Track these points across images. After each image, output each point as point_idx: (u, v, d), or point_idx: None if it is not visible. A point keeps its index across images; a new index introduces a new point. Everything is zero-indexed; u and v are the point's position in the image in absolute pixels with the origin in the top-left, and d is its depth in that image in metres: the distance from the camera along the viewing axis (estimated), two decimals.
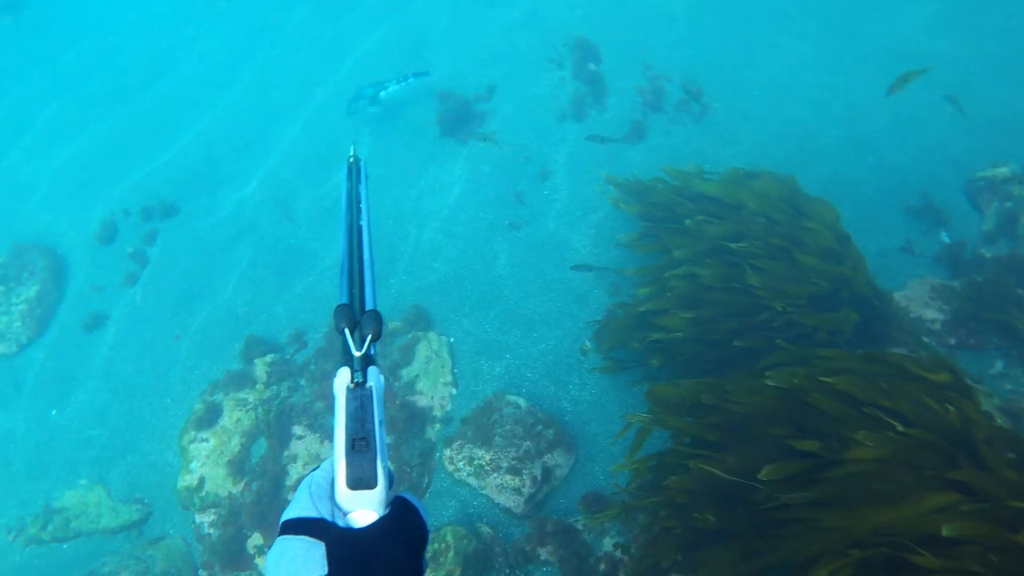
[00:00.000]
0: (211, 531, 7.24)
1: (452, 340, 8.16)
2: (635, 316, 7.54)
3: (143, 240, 9.70)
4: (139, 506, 7.79)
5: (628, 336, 7.52)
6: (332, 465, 1.52)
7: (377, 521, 1.45)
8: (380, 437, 1.51)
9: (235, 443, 7.53)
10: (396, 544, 1.41)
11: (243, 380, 7.94)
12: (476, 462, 7.03)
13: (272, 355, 8.19)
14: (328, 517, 1.44)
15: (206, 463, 7.48)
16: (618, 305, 7.94)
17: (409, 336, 8.07)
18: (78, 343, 9.07)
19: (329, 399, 1.71)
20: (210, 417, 7.70)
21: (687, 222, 7.68)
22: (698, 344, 6.99)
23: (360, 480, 1.45)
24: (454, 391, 7.75)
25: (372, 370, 1.62)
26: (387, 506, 1.49)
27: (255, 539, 7.09)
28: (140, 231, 9.82)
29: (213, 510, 7.32)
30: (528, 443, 7.06)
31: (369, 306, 1.78)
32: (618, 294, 8.23)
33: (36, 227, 10.33)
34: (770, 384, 5.62)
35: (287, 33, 12.30)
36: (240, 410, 7.68)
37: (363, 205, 2.04)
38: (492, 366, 7.91)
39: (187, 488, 7.44)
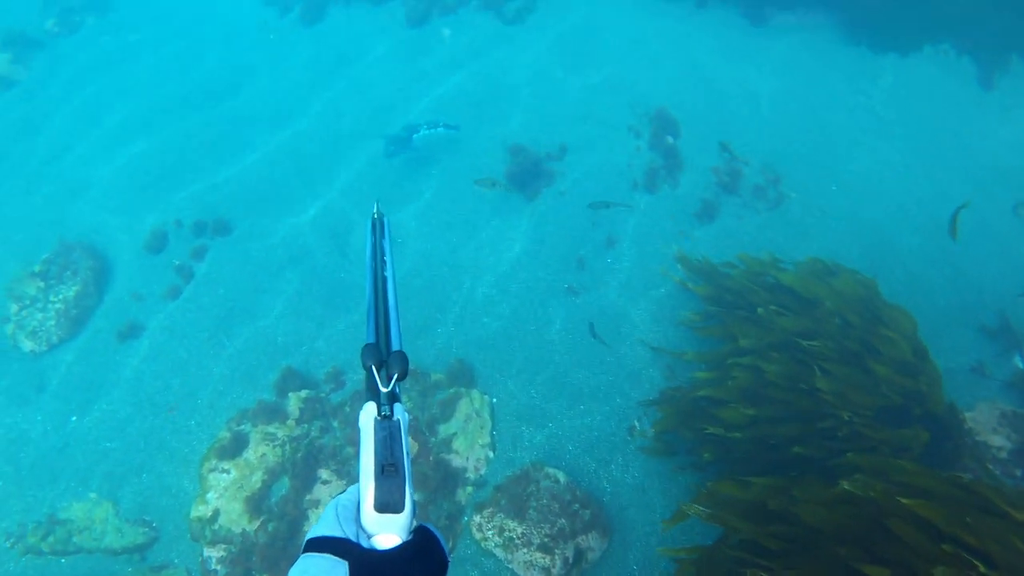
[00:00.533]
0: (218, 567, 6.84)
1: (494, 400, 7.81)
2: (691, 401, 7.19)
3: (192, 254, 9.43)
4: (146, 529, 7.41)
5: (681, 422, 7.17)
6: (359, 490, 1.57)
7: (400, 545, 1.50)
8: (408, 466, 1.57)
9: (257, 479, 7.14)
10: (417, 570, 1.44)
11: (274, 413, 7.58)
12: (507, 533, 6.64)
13: (307, 391, 7.84)
14: (353, 538, 1.47)
15: (224, 495, 7.09)
16: (673, 389, 7.58)
17: (451, 391, 7.70)
18: (109, 351, 8.77)
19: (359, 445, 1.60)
20: (234, 447, 7.33)
21: (759, 310, 7.31)
22: (755, 444, 6.59)
23: (388, 504, 1.51)
24: (491, 454, 7.38)
25: (398, 406, 1.70)
26: (410, 533, 1.53)
27: None
28: (190, 244, 9.57)
29: (224, 546, 6.91)
30: (563, 521, 6.67)
31: (395, 347, 1.84)
32: (673, 377, 7.85)
33: (86, 226, 10.11)
34: (845, 488, 5.23)
35: (365, 66, 12.15)
36: (267, 445, 7.31)
37: (387, 258, 2.14)
38: (533, 433, 7.54)
39: (200, 519, 7.05)
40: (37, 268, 9.22)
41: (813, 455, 6.27)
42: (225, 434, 7.52)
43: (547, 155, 10.02)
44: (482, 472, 7.26)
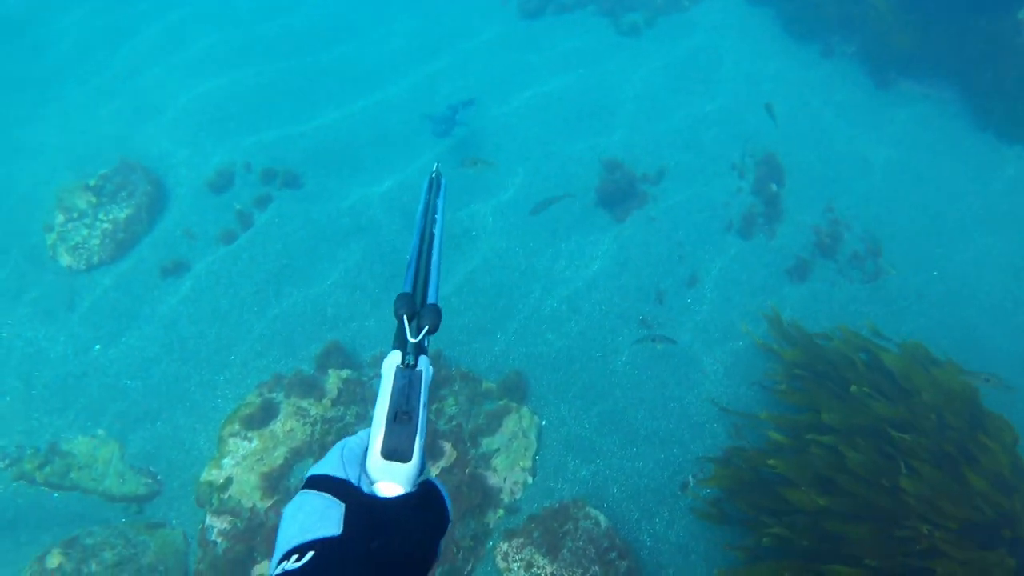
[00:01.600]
0: (219, 539, 6.27)
1: (544, 423, 7.23)
2: (756, 470, 6.54)
3: (255, 202, 8.91)
4: (150, 480, 6.89)
5: (740, 491, 6.52)
6: (368, 435, 1.52)
7: (402, 496, 1.44)
8: (423, 418, 1.53)
9: (279, 454, 6.56)
10: (416, 521, 1.39)
11: (310, 388, 7.00)
12: (535, 570, 6.07)
13: (349, 372, 7.26)
14: (355, 481, 1.42)
15: (241, 464, 6.52)
16: (738, 449, 6.94)
17: (501, 403, 7.11)
18: (149, 284, 8.26)
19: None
20: (262, 416, 6.75)
21: (853, 388, 6.62)
22: (821, 539, 5.94)
23: (395, 451, 1.46)
24: (530, 480, 6.81)
25: (423, 359, 1.63)
26: (415, 486, 1.48)
27: (263, 567, 6.10)
28: (255, 191, 9.05)
29: (230, 518, 6.33)
30: (597, 568, 6.09)
31: (431, 300, 1.81)
32: (739, 437, 7.20)
33: (151, 150, 9.64)
34: None
35: (469, 48, 11.59)
36: (297, 420, 6.73)
37: (438, 216, 2.12)
38: (579, 467, 6.95)
39: (210, 483, 6.49)
40: (92, 182, 8.73)
41: (884, 567, 5.61)
42: (255, 398, 6.95)
43: (643, 176, 9.41)
44: (517, 497, 6.69)
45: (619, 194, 9.06)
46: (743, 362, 7.89)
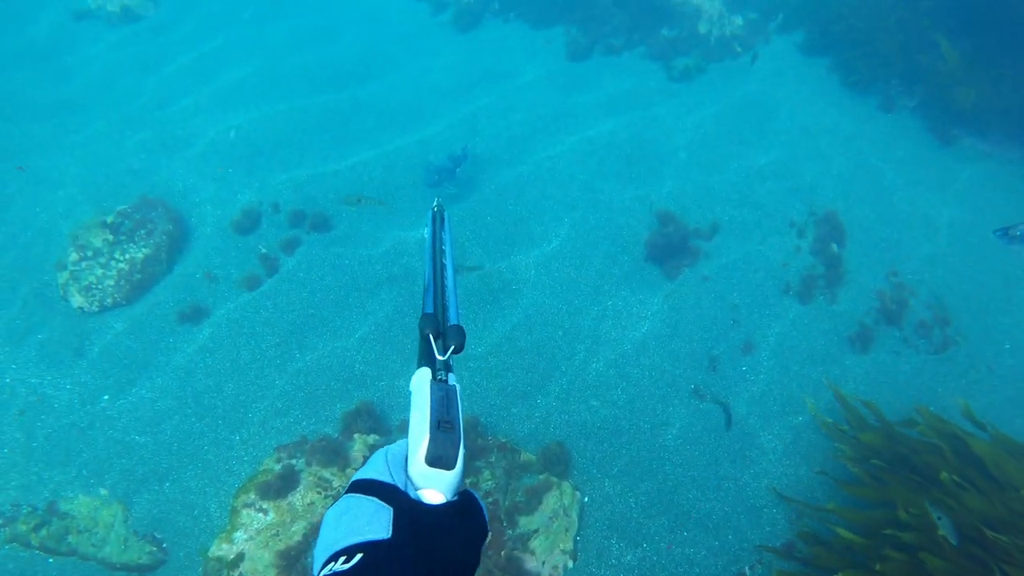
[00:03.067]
0: None
1: (586, 500, 6.56)
2: (820, 571, 5.85)
3: (282, 245, 8.34)
4: (155, 549, 6.29)
5: None
6: (408, 444, 1.48)
7: (446, 503, 1.41)
8: (462, 431, 1.49)
9: (297, 529, 5.93)
10: (462, 529, 1.38)
11: (334, 455, 6.38)
12: None
13: (376, 437, 6.66)
14: (401, 487, 1.41)
15: (254, 540, 5.89)
16: (801, 535, 6.26)
17: (542, 478, 6.48)
18: (165, 330, 7.69)
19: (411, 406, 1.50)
20: (281, 485, 6.13)
21: (943, 475, 5.90)
22: None
23: (440, 459, 1.42)
24: (570, 564, 6.20)
25: (451, 375, 1.63)
26: (456, 495, 1.44)
27: None
28: (282, 234, 8.49)
29: None
30: None
31: (452, 321, 1.80)
32: (801, 524, 6.53)
33: (176, 185, 9.12)
34: None
35: (512, 88, 11.03)
36: (318, 492, 6.10)
37: (446, 247, 2.09)
38: (623, 551, 6.32)
39: (219, 559, 5.87)
40: (110, 219, 8.20)
41: None
42: (272, 464, 6.34)
43: (695, 230, 8.80)
44: None
45: (670, 249, 8.46)
46: (804, 440, 7.25)
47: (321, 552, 1.31)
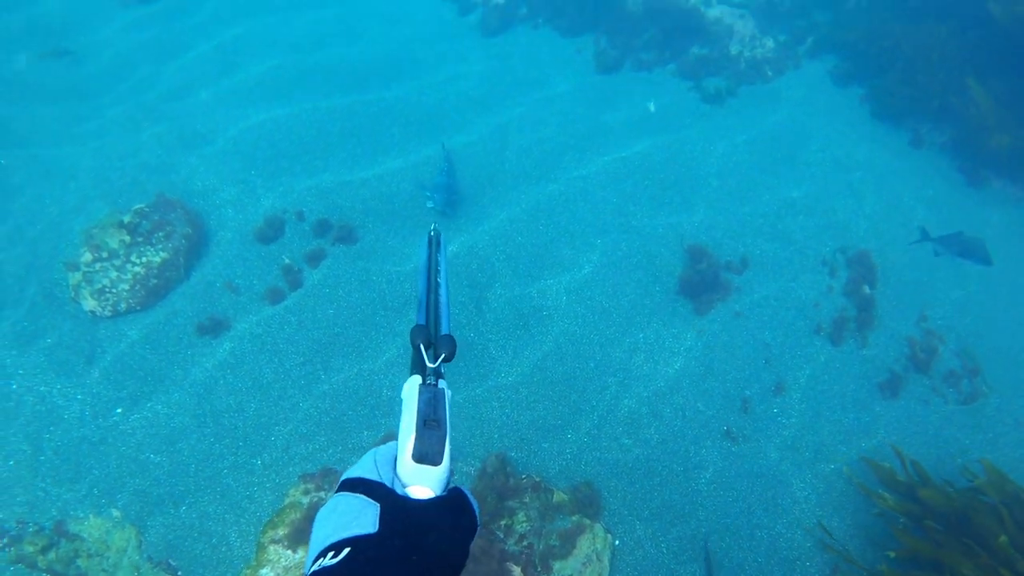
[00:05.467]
0: None
1: (617, 543, 6.35)
2: None
3: (306, 257, 7.98)
4: None
5: None
6: (397, 444, 1.57)
7: (433, 499, 1.49)
8: (449, 431, 1.58)
9: None
10: (448, 524, 1.42)
11: None
12: None
13: None
14: (388, 484, 1.47)
15: None
16: None
17: (575, 519, 6.24)
18: (183, 341, 7.35)
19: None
20: (308, 523, 5.83)
21: (1002, 539, 5.71)
22: None
23: (426, 455, 1.51)
24: None
25: (442, 382, 1.72)
26: (444, 490, 1.53)
27: None
28: (307, 244, 8.12)
29: None
30: None
31: (444, 331, 1.93)
32: None
33: (194, 184, 8.71)
34: None
35: (543, 100, 10.66)
36: None
37: (441, 268, 2.21)
38: None
39: None
40: (127, 219, 7.81)
41: None
42: (298, 496, 6.05)
43: (727, 264, 8.58)
44: None
45: (703, 284, 8.23)
46: (837, 489, 7.09)
47: (312, 549, 1.37)
